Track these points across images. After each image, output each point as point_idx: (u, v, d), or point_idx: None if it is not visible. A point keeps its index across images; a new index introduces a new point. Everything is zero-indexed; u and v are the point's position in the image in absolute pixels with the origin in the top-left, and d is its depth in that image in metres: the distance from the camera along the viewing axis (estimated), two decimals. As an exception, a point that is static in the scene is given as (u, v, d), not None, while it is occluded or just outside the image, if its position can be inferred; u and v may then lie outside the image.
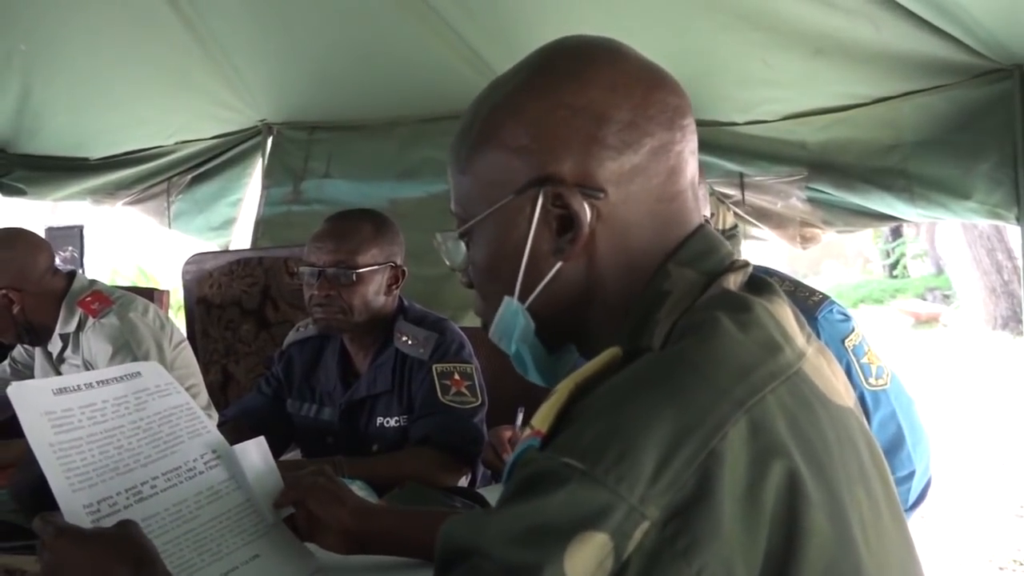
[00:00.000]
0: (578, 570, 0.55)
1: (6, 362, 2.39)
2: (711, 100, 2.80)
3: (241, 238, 3.85)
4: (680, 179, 0.73)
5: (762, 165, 2.90)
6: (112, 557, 0.84)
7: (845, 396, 0.72)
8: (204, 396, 2.35)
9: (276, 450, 1.31)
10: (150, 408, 1.09)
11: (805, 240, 3.02)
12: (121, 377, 1.09)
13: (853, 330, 1.65)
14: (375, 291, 1.84)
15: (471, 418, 1.82)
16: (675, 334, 0.66)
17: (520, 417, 1.75)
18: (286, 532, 1.13)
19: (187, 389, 1.37)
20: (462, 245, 0.79)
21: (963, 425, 5.41)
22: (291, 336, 2.03)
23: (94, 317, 2.16)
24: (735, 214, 3.04)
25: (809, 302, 1.63)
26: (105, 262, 8.84)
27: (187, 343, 2.38)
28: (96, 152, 3.75)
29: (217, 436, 1.15)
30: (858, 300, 10.94)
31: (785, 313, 0.71)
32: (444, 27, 2.98)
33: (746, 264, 0.74)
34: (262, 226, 3.55)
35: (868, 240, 12.70)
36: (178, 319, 2.82)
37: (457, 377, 1.84)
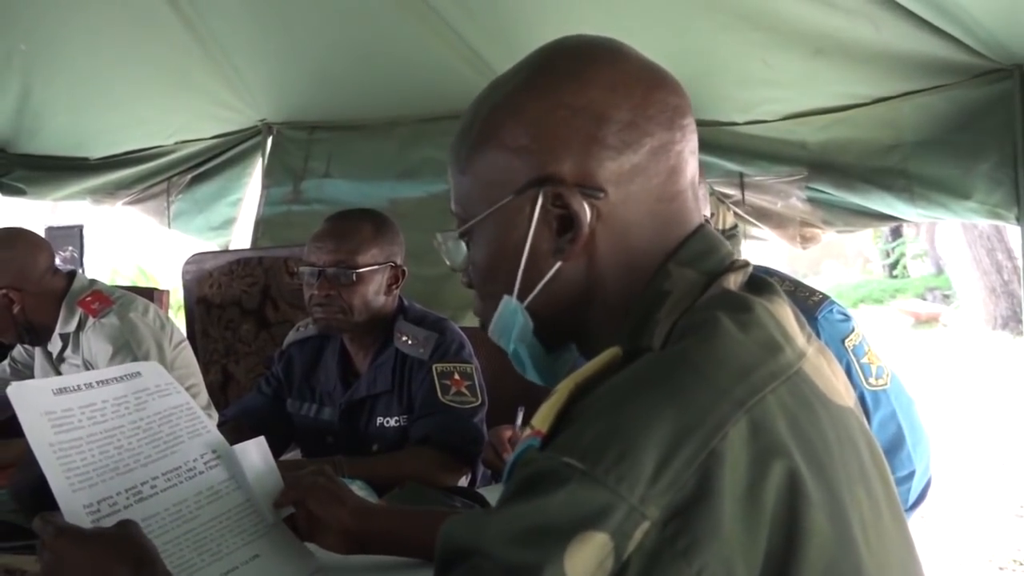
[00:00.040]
0: (578, 570, 0.55)
1: (6, 362, 2.39)
2: (711, 100, 2.80)
3: (241, 238, 3.85)
4: (680, 179, 0.73)
5: (762, 165, 2.90)
6: (112, 557, 0.84)
7: (845, 396, 0.72)
8: (204, 396, 2.35)
9: (276, 450, 1.31)
10: (150, 408, 1.09)
11: (805, 240, 3.02)
12: (121, 377, 1.09)
13: (853, 330, 1.65)
14: (375, 291, 1.84)
15: (471, 418, 1.82)
16: (675, 334, 0.66)
17: (520, 417, 1.75)
18: (286, 532, 1.13)
19: (187, 389, 1.37)
20: (462, 245, 0.79)
21: (963, 425, 5.41)
22: (291, 336, 2.03)
23: (94, 317, 2.16)
24: (735, 214, 3.04)
25: (809, 302, 1.63)
26: (105, 262, 8.83)
27: (187, 343, 2.38)
28: (96, 152, 3.75)
29: (217, 436, 1.15)
30: (858, 300, 10.94)
31: (785, 313, 0.71)
32: (444, 27, 2.98)
33: (746, 264, 0.74)
34: (262, 226, 3.56)
35: (868, 240, 12.70)
36: (178, 319, 2.82)
37: (457, 377, 1.84)
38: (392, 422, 1.85)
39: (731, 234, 3.02)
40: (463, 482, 1.83)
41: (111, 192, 3.91)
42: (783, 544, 0.58)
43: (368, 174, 3.46)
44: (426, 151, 3.35)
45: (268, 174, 3.62)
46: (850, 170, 2.71)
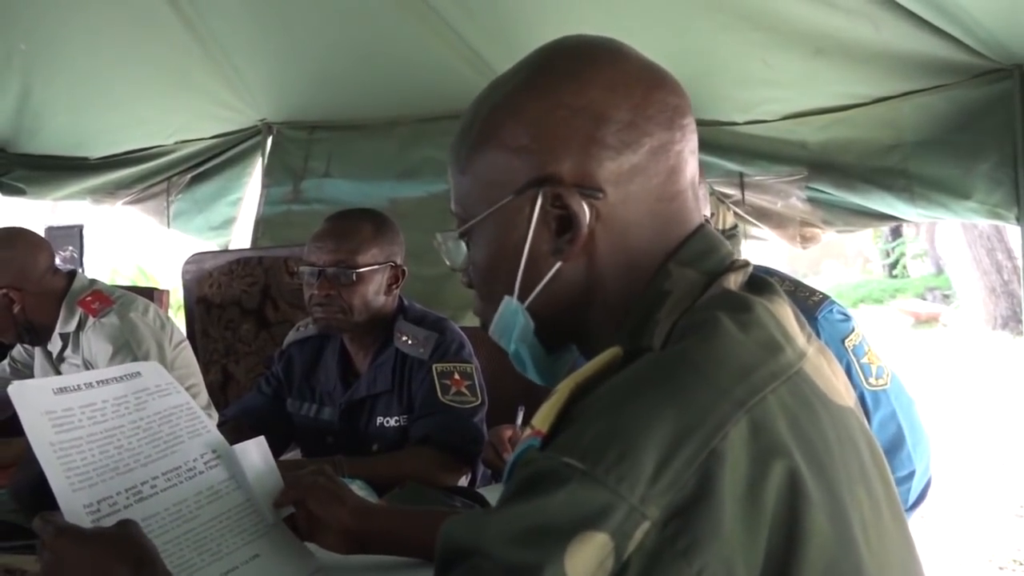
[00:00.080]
0: (579, 570, 0.55)
1: (6, 361, 2.39)
2: (711, 100, 2.80)
3: (241, 238, 3.85)
4: (680, 179, 0.73)
5: (762, 165, 2.90)
6: (112, 557, 0.84)
7: (845, 396, 0.72)
8: (204, 396, 2.35)
9: (276, 450, 1.31)
10: (150, 408, 1.09)
11: (805, 240, 3.02)
12: (121, 377, 1.09)
13: (853, 330, 1.65)
14: (375, 291, 1.84)
15: (471, 417, 1.82)
16: (676, 334, 0.66)
17: (520, 416, 1.75)
18: (286, 532, 1.13)
19: (187, 389, 1.37)
20: (462, 245, 0.79)
21: (963, 425, 5.41)
22: (291, 336, 2.03)
23: (94, 317, 2.16)
24: (735, 214, 3.04)
25: (809, 302, 1.63)
26: (105, 262, 8.83)
27: (187, 343, 2.38)
28: (96, 152, 3.75)
29: (217, 436, 1.15)
30: (858, 300, 10.94)
31: (786, 313, 0.71)
32: (444, 27, 2.98)
33: (746, 264, 0.74)
34: (262, 226, 3.55)
35: (868, 240, 12.71)
36: (178, 319, 2.82)
37: (457, 377, 1.84)
38: (392, 422, 1.86)
39: (731, 234, 3.02)
40: (463, 482, 1.83)
41: (111, 192, 3.91)
42: (783, 544, 0.58)
43: (368, 174, 3.46)
44: (426, 151, 3.35)
45: (268, 174, 3.62)
46: (850, 170, 2.71)
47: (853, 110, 2.65)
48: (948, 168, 2.47)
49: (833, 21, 2.37)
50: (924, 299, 11.09)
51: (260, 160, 3.66)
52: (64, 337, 2.19)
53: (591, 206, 0.70)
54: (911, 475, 1.65)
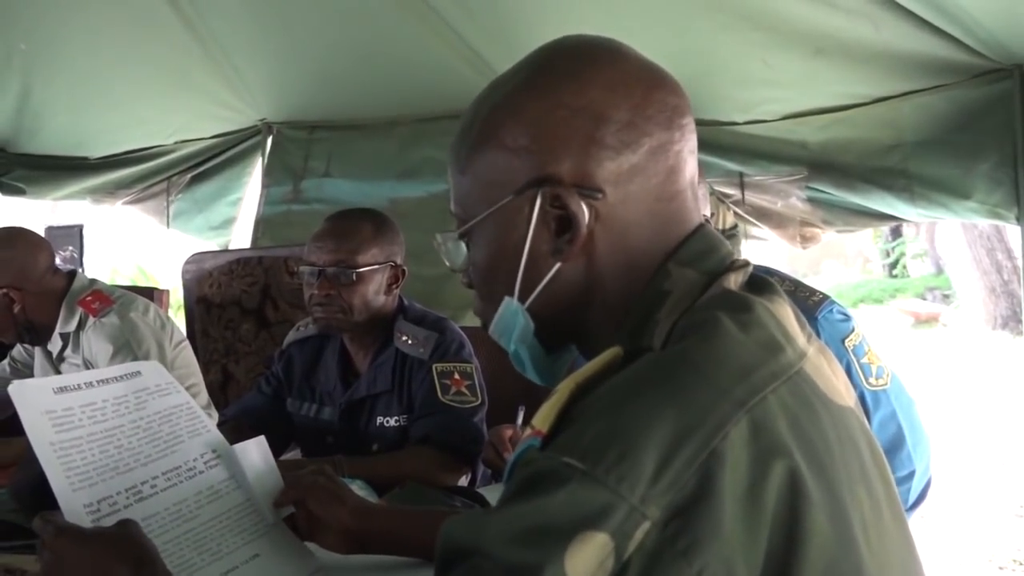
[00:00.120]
0: (579, 570, 0.55)
1: (5, 361, 2.39)
2: (711, 100, 2.80)
3: (241, 237, 3.85)
4: (679, 178, 0.73)
5: (762, 165, 2.90)
6: (112, 556, 0.84)
7: (846, 396, 0.72)
8: (204, 395, 2.35)
9: (276, 449, 1.31)
10: (150, 407, 1.09)
11: (805, 240, 3.02)
12: (121, 376, 1.09)
13: (853, 330, 1.65)
14: (375, 291, 1.84)
15: (471, 417, 1.82)
16: (676, 334, 0.66)
17: (521, 416, 1.75)
18: (286, 532, 1.13)
19: (187, 389, 1.37)
20: (462, 245, 0.79)
21: (963, 425, 5.42)
22: (291, 336, 2.03)
23: (95, 316, 2.16)
24: (735, 214, 3.04)
25: (809, 302, 1.63)
26: (105, 261, 8.83)
27: (187, 343, 2.38)
28: (96, 151, 3.75)
29: (217, 435, 1.15)
30: (858, 300, 10.95)
31: (786, 313, 0.71)
32: (444, 27, 2.98)
33: (746, 263, 0.74)
34: (262, 225, 3.56)
35: (868, 240, 12.71)
36: (178, 318, 2.82)
37: (457, 376, 1.84)
38: (392, 422, 1.86)
39: (731, 234, 3.02)
40: (463, 482, 1.83)
41: (111, 192, 3.91)
42: (784, 544, 0.58)
43: (368, 174, 3.46)
44: (426, 151, 3.35)
45: (268, 174, 3.62)
46: (850, 170, 2.71)
47: (853, 110, 2.65)
48: (948, 168, 2.47)
49: (833, 21, 2.37)
50: (924, 299, 11.09)
51: (260, 160, 3.66)
52: (64, 337, 2.19)
53: (590, 206, 0.70)
54: (911, 475, 1.65)
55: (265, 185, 3.63)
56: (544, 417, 0.63)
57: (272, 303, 2.92)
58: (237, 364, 2.94)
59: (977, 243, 8.72)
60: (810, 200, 2.87)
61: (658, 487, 0.56)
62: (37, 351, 2.28)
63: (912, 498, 1.67)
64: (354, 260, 1.80)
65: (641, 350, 0.67)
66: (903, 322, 10.10)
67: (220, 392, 2.87)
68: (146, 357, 2.10)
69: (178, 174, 3.85)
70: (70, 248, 3.56)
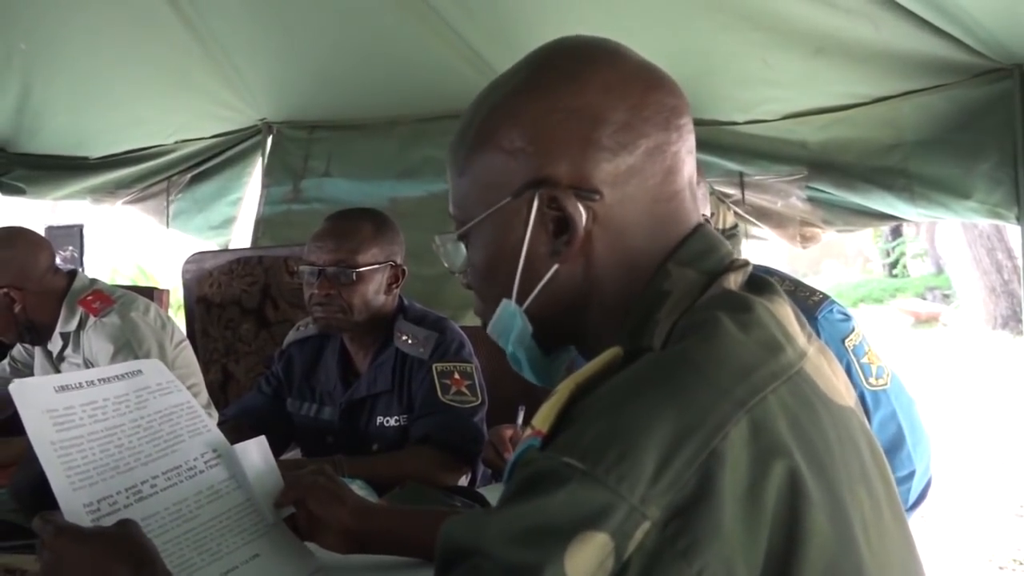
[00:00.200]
0: (579, 570, 0.55)
1: (6, 361, 2.39)
2: (711, 100, 2.80)
3: (241, 237, 3.85)
4: (677, 179, 0.73)
5: (762, 164, 2.90)
6: (112, 556, 0.84)
7: (846, 396, 0.72)
8: (204, 395, 2.35)
9: (276, 449, 1.31)
10: (151, 406, 1.09)
11: (805, 239, 3.02)
12: (122, 375, 1.09)
13: (853, 330, 1.65)
14: (375, 290, 1.84)
15: (471, 417, 1.82)
16: (676, 334, 0.66)
17: (521, 416, 1.75)
18: (286, 532, 1.13)
19: (188, 388, 1.37)
20: (461, 247, 0.79)
21: (963, 425, 5.42)
22: (291, 335, 2.03)
23: (95, 316, 2.16)
24: (735, 213, 3.04)
25: (809, 302, 1.63)
26: (105, 261, 8.83)
27: (188, 342, 2.38)
28: (96, 151, 3.75)
29: (218, 435, 1.14)
30: (858, 299, 10.95)
31: (786, 313, 0.71)
32: (444, 27, 2.98)
33: (746, 263, 0.74)
34: (262, 225, 3.56)
35: (868, 239, 12.71)
36: (178, 318, 2.82)
37: (457, 376, 1.84)
38: (392, 421, 1.86)
39: (731, 234, 3.02)
40: (463, 481, 1.83)
41: (111, 191, 3.91)
42: (784, 544, 0.58)
43: (368, 173, 3.46)
44: (426, 150, 3.35)
45: (268, 173, 3.62)
46: (850, 169, 2.71)
47: (853, 110, 2.65)
48: (948, 168, 2.47)
49: (833, 21, 2.37)
50: (924, 299, 11.10)
51: (260, 160, 3.66)
52: (65, 336, 2.19)
53: (588, 208, 0.70)
54: (911, 475, 1.65)
55: (265, 185, 3.63)
56: (544, 417, 0.63)
57: (272, 303, 2.92)
58: (237, 364, 2.94)
59: (977, 243, 8.72)
60: (810, 200, 2.87)
61: (658, 487, 0.56)
62: (37, 351, 2.28)
63: (912, 498, 1.67)
64: (354, 260, 1.80)
65: (641, 350, 0.67)
66: (903, 322, 10.10)
67: (220, 392, 2.87)
68: (147, 357, 2.09)
69: (178, 174, 3.85)
70: (70, 248, 3.56)
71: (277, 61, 3.39)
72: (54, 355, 2.23)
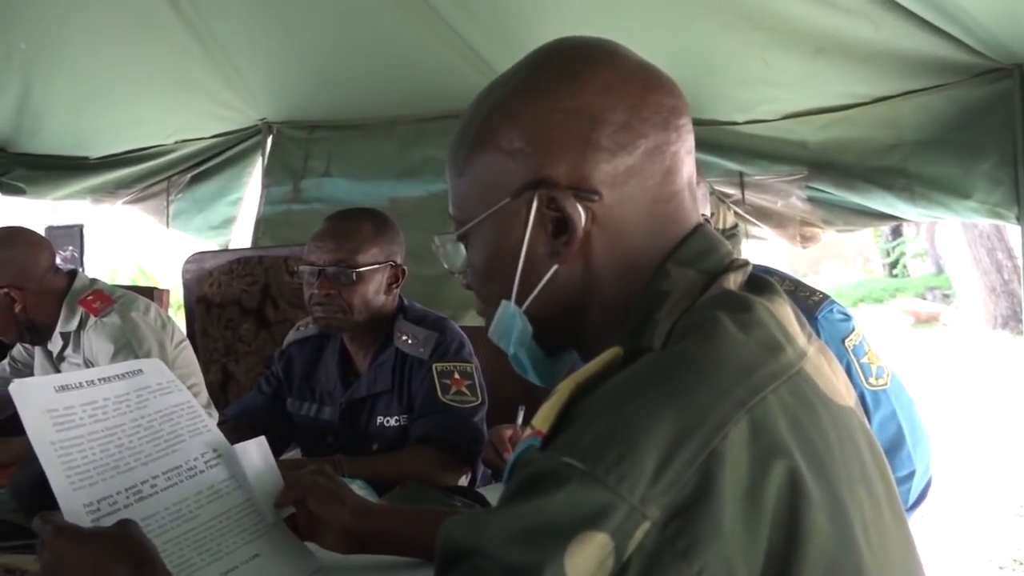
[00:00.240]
0: (579, 570, 0.55)
1: (5, 361, 2.39)
2: (711, 100, 2.80)
3: (241, 237, 3.85)
4: (676, 179, 0.73)
5: (762, 164, 2.90)
6: (111, 556, 0.84)
7: (846, 396, 0.72)
8: (204, 395, 2.35)
9: (276, 449, 1.31)
10: (151, 406, 1.09)
11: (805, 239, 3.02)
12: (123, 374, 1.09)
13: (853, 330, 1.65)
14: (375, 290, 1.84)
15: (471, 417, 1.82)
16: (676, 334, 0.66)
17: (520, 416, 1.75)
18: (286, 532, 1.13)
19: (188, 388, 1.37)
20: (460, 247, 0.79)
21: (963, 425, 5.42)
22: (291, 335, 2.03)
23: (96, 316, 2.16)
24: (735, 213, 3.04)
25: (809, 302, 1.63)
26: (105, 261, 8.83)
27: (188, 342, 2.38)
28: (96, 151, 3.75)
29: (218, 435, 1.14)
30: (858, 299, 10.95)
31: (786, 313, 0.71)
32: (444, 27, 2.98)
33: (746, 263, 0.74)
34: (262, 225, 3.56)
35: (868, 239, 12.72)
36: (178, 318, 2.82)
37: (457, 376, 1.84)
38: (392, 421, 1.86)
39: (731, 234, 3.02)
40: (463, 481, 1.83)
41: (111, 191, 3.92)
42: (784, 544, 0.58)
43: (368, 173, 3.46)
44: (426, 150, 3.35)
45: (268, 173, 3.62)
46: (850, 169, 2.71)
47: (853, 110, 2.65)
48: (948, 167, 2.47)
49: (833, 21, 2.37)
50: (924, 299, 11.10)
51: (260, 160, 3.66)
52: (65, 336, 2.19)
53: (586, 208, 0.70)
54: (911, 475, 1.65)
55: (265, 185, 3.63)
56: (544, 417, 0.63)
57: (272, 303, 2.92)
58: (237, 364, 2.94)
59: (977, 242, 8.72)
60: (810, 200, 2.87)
61: (658, 487, 0.56)
62: (37, 351, 2.28)
63: (912, 498, 1.67)
64: (354, 260, 1.80)
65: (641, 350, 0.67)
66: (903, 322, 10.10)
67: (220, 392, 2.87)
68: (147, 357, 2.09)
69: (178, 174, 3.85)
70: (70, 248, 3.56)
71: (277, 61, 3.39)
72: (54, 355, 2.23)
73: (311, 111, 3.56)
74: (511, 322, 0.75)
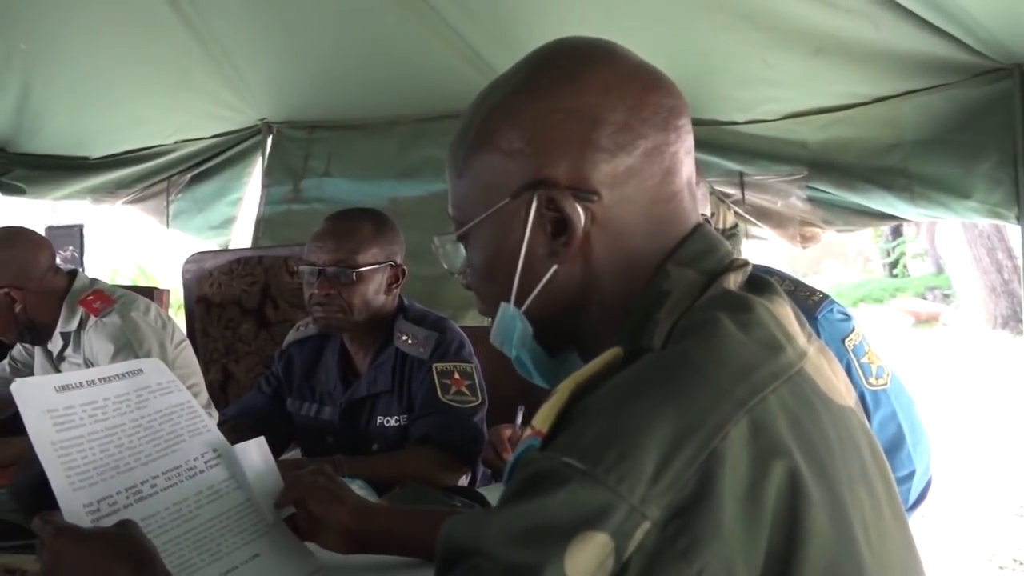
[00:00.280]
0: (579, 570, 0.55)
1: (5, 361, 2.39)
2: (711, 100, 2.81)
3: (241, 237, 3.85)
4: (676, 179, 0.73)
5: (762, 164, 2.90)
6: (111, 557, 0.84)
7: (846, 396, 0.72)
8: (204, 395, 2.35)
9: (276, 449, 1.31)
10: (151, 406, 1.09)
11: (805, 239, 3.02)
12: (123, 374, 1.09)
13: (853, 329, 1.65)
14: (375, 290, 1.84)
15: (471, 417, 1.82)
16: (676, 334, 0.66)
17: (520, 416, 1.75)
18: (286, 532, 1.13)
19: (188, 388, 1.37)
20: (460, 248, 0.79)
21: (963, 425, 5.42)
22: (291, 335, 2.03)
23: (96, 316, 2.16)
24: (735, 213, 3.04)
25: (809, 301, 1.64)
26: (105, 261, 8.83)
27: (188, 342, 2.38)
28: (96, 151, 3.75)
29: (218, 435, 1.14)
30: (858, 299, 10.95)
31: (786, 313, 0.71)
32: (444, 27, 2.98)
33: (745, 263, 0.74)
34: (262, 225, 3.56)
35: (868, 239, 12.72)
36: (178, 318, 2.82)
37: (457, 376, 1.84)
38: (392, 421, 1.86)
39: (731, 233, 3.02)
40: (463, 481, 1.83)
41: (111, 191, 3.92)
42: (784, 544, 0.58)
43: (368, 173, 3.47)
44: (426, 150, 3.35)
45: (268, 173, 3.62)
46: (850, 169, 2.71)
47: (853, 110, 2.65)
48: (948, 167, 2.47)
49: (833, 21, 2.37)
50: (924, 299, 11.10)
51: (260, 160, 3.67)
52: (65, 336, 2.19)
53: (586, 209, 0.70)
54: (911, 475, 1.65)
55: (265, 185, 3.63)
56: (544, 417, 0.63)
57: (272, 303, 2.92)
58: (237, 364, 2.94)
59: (977, 242, 8.72)
60: (810, 200, 2.87)
61: (658, 487, 0.56)
62: (37, 351, 2.28)
63: (912, 498, 1.67)
64: (354, 260, 1.80)
65: (641, 350, 0.67)
66: (903, 322, 10.10)
67: (220, 392, 2.87)
68: (147, 356, 2.09)
69: (178, 174, 3.85)
70: (70, 248, 3.56)
71: (277, 61, 3.39)
72: (54, 355, 2.23)
73: (311, 111, 3.56)
74: (511, 324, 0.75)
